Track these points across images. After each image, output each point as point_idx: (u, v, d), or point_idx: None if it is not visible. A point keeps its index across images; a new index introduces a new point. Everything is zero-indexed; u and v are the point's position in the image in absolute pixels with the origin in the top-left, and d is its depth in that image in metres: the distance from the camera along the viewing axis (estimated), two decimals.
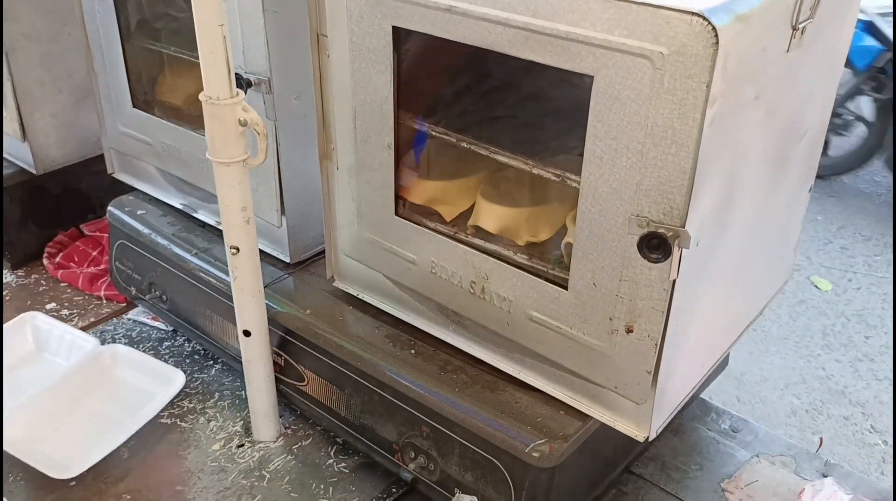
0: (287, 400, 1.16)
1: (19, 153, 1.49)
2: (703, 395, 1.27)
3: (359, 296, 1.10)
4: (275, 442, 1.15)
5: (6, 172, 1.50)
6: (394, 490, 1.07)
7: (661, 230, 0.73)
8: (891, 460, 1.59)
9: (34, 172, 1.46)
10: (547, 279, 0.87)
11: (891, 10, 2.48)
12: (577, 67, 0.73)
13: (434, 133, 0.93)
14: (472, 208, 1.00)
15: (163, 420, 1.19)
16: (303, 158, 1.12)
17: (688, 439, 1.20)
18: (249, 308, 1.05)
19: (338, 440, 1.16)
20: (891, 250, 2.40)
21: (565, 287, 0.84)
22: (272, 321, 1.09)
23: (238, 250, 1.01)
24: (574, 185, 0.80)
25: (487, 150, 0.89)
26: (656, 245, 0.73)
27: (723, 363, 1.19)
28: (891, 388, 1.81)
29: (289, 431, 1.18)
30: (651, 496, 1.09)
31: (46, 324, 1.31)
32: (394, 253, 1.00)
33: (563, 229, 0.93)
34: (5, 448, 1.08)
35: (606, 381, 0.86)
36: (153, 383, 1.22)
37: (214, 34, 0.87)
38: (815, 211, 2.60)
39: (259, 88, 1.05)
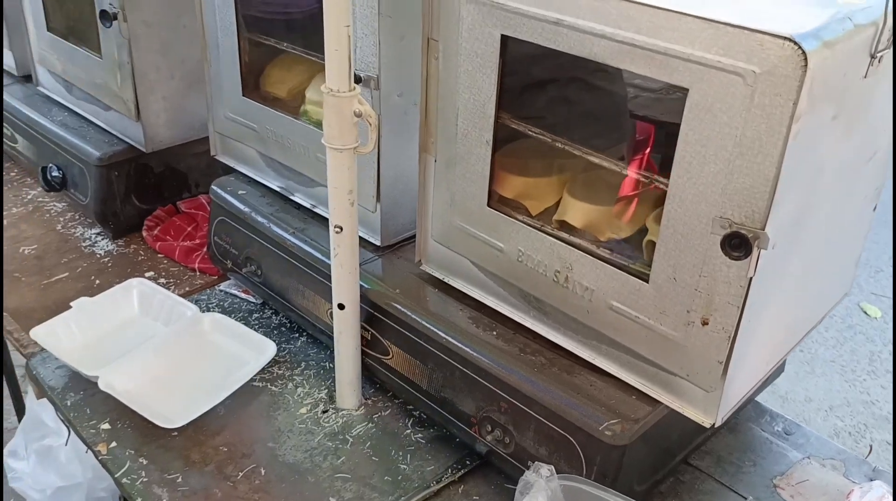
0: (370, 372, 1.26)
1: (130, 132, 1.61)
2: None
3: (444, 280, 1.19)
4: (357, 411, 1.25)
5: (116, 148, 1.63)
6: (467, 462, 1.16)
7: (743, 231, 0.80)
8: None
9: (143, 149, 1.59)
10: (629, 272, 0.94)
11: None
12: (674, 79, 0.81)
13: (531, 132, 1.01)
14: (557, 204, 1.08)
15: (255, 383, 1.30)
16: (400, 151, 1.22)
17: (742, 437, 1.26)
18: (346, 283, 1.15)
19: (415, 413, 1.25)
20: None
21: (646, 280, 0.92)
22: (362, 297, 1.19)
23: (341, 229, 1.11)
24: (661, 187, 0.88)
25: (581, 150, 0.97)
26: (738, 244, 0.81)
27: (779, 369, 1.25)
28: None
29: (369, 401, 1.27)
30: (706, 486, 1.16)
31: (150, 290, 1.43)
32: (482, 241, 1.09)
33: (643, 228, 1.01)
34: (117, 396, 1.20)
35: (679, 369, 0.93)
36: (247, 350, 1.33)
37: (341, 34, 0.97)
38: (870, 238, 2.61)
39: (367, 84, 1.14)
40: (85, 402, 1.25)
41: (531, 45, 0.93)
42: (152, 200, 1.72)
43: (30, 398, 2.06)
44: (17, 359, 3.04)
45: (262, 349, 1.32)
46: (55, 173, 1.73)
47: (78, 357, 1.28)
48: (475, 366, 1.08)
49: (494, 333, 1.11)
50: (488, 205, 1.06)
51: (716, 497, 1.14)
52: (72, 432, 1.46)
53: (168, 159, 1.70)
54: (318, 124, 1.30)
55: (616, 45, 0.84)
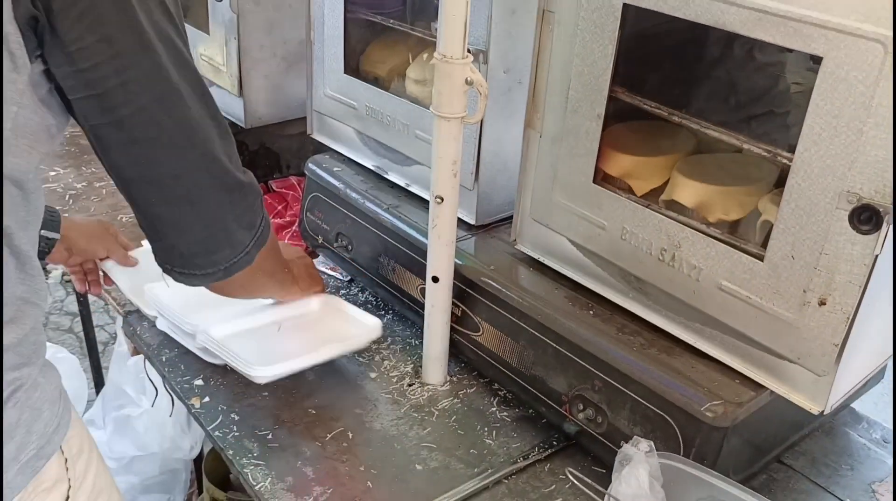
0: (456, 350, 1.26)
1: (229, 108, 1.66)
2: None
3: (539, 259, 1.18)
4: (441, 386, 1.25)
5: None
6: (554, 442, 1.14)
7: (874, 204, 0.78)
8: None
9: (242, 125, 1.63)
10: (742, 251, 0.93)
11: None
12: (808, 48, 0.80)
13: (646, 107, 1.00)
14: (663, 185, 1.07)
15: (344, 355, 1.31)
16: (501, 129, 1.22)
17: (839, 442, 1.22)
18: (441, 256, 1.16)
19: (500, 392, 1.24)
20: None
21: (761, 259, 0.90)
22: (455, 273, 1.19)
23: (442, 200, 1.11)
24: (785, 161, 0.86)
25: (699, 125, 0.96)
26: (868, 218, 0.78)
27: (879, 373, 1.21)
28: None
29: (454, 378, 1.27)
30: (801, 485, 1.12)
31: None
32: (584, 218, 1.08)
33: (755, 211, 0.99)
34: (213, 348, 1.21)
35: (790, 352, 0.91)
36: (351, 327, 1.30)
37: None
38: None
39: (476, 58, 1.15)
40: (179, 359, 1.28)
41: (651, 15, 0.92)
42: None
43: (112, 369, 2.13)
44: (99, 319, 3.13)
45: (370, 327, 1.29)
46: None
47: (179, 313, 1.30)
48: (570, 344, 1.07)
49: (591, 312, 1.09)
50: (594, 181, 1.06)
51: (811, 498, 1.10)
52: (158, 393, 1.50)
53: (263, 138, 1.74)
54: (419, 102, 1.32)
55: (747, 12, 0.83)
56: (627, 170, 1.08)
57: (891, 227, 0.78)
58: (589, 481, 0.87)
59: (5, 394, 0.80)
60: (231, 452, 1.11)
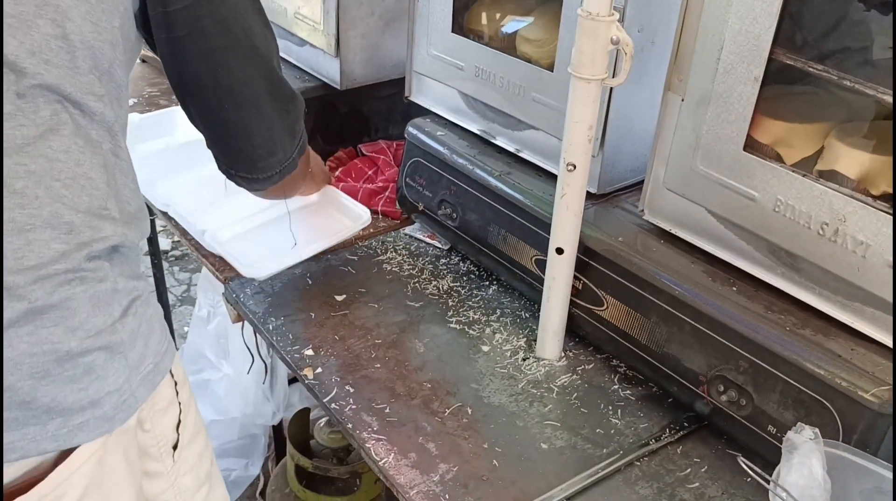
0: (574, 324, 1.21)
1: (323, 69, 1.61)
2: None
3: (671, 231, 1.12)
4: (558, 362, 1.20)
5: (309, 85, 1.63)
6: (685, 423, 1.09)
7: None
8: None
9: (337, 87, 1.58)
10: None
11: None
12: None
13: (812, 70, 0.93)
14: (814, 154, 1.00)
15: (451, 326, 1.27)
16: (630, 93, 1.15)
17: None
18: (568, 227, 1.10)
19: (620, 368, 1.19)
20: None
21: None
22: (578, 244, 1.13)
23: (575, 167, 1.05)
24: None
25: (875, 90, 0.88)
26: None
27: None
28: None
29: (570, 354, 1.22)
30: None
31: None
32: (731, 189, 1.01)
33: None
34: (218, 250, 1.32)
35: None
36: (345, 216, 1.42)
37: None
38: None
39: None
40: (286, 327, 1.25)
41: None
42: (335, 141, 1.71)
43: (191, 333, 2.11)
44: (170, 282, 3.13)
45: (359, 216, 1.40)
46: None
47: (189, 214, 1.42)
48: (712, 321, 1.01)
49: (734, 288, 1.03)
50: (744, 148, 0.99)
51: None
52: (254, 360, 1.47)
53: (354, 101, 1.68)
54: (535, 63, 1.25)
55: None
56: (779, 137, 1.01)
57: None
58: (759, 470, 0.82)
59: (123, 304, 0.85)
60: (350, 425, 1.08)
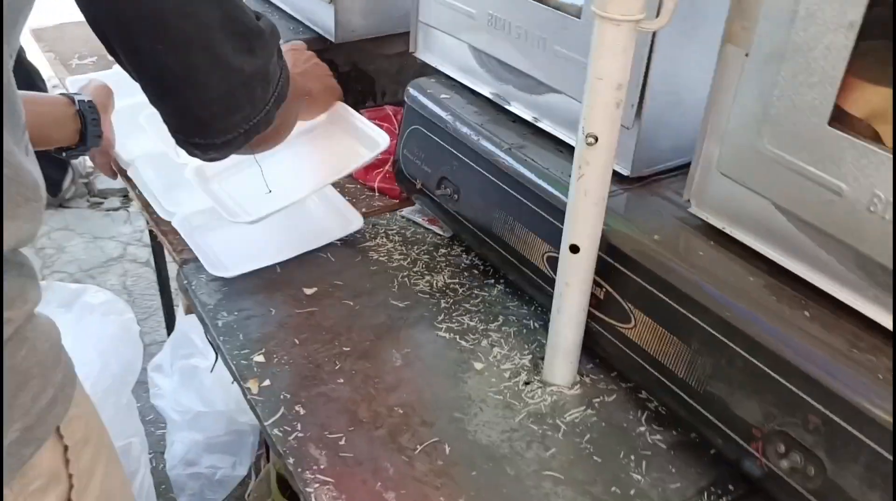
0: (592, 342, 0.95)
1: (319, 19, 1.37)
2: None
3: (724, 230, 0.85)
4: (570, 389, 0.95)
5: (301, 37, 1.39)
6: (730, 486, 0.83)
7: None
8: None
9: (332, 40, 1.33)
10: None
11: None
12: None
13: None
14: None
15: (441, 334, 1.02)
16: (678, 49, 0.88)
17: None
18: (587, 217, 0.84)
19: (649, 404, 0.93)
20: None
21: None
22: (601, 240, 0.87)
23: (596, 140, 0.79)
24: None
25: None
26: None
27: None
28: None
29: (586, 379, 0.97)
30: None
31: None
32: (809, 177, 0.74)
33: None
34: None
35: None
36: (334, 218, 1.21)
37: None
38: None
39: None
40: (238, 325, 1.02)
41: None
42: None
43: (180, 312, 1.91)
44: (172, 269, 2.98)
45: (349, 222, 1.19)
46: None
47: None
48: (774, 356, 0.74)
49: (806, 312, 0.76)
50: (831, 122, 0.71)
51: None
52: (219, 358, 1.25)
53: (356, 58, 1.44)
54: (563, 8, 0.98)
55: None
56: (879, 109, 0.73)
57: None
58: None
59: None
60: (292, 460, 0.84)
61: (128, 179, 1.30)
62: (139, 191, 1.27)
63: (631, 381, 0.95)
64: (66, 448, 0.68)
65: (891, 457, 0.66)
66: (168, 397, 1.83)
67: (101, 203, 3.01)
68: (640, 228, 0.89)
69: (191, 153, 0.80)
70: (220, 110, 0.75)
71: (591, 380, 0.97)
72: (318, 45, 1.38)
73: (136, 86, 0.75)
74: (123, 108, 1.42)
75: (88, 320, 1.44)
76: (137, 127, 1.37)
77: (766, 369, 0.75)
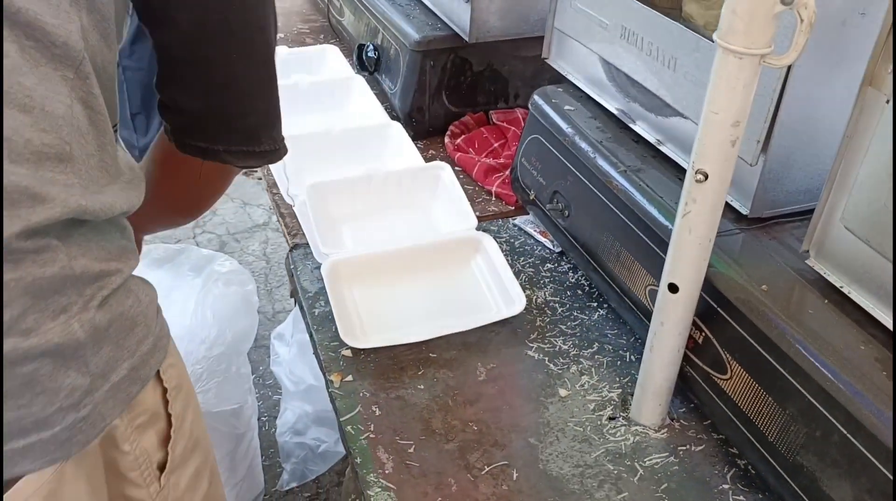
0: (686, 385, 0.89)
1: (456, 16, 1.36)
2: None
3: (842, 289, 0.77)
4: (657, 432, 0.90)
5: (438, 34, 1.39)
6: None
7: None
8: None
9: (466, 38, 1.33)
10: None
11: None
12: None
13: None
14: None
15: (530, 353, 1.00)
16: (814, 82, 0.81)
17: None
18: (689, 258, 0.79)
19: (739, 462, 0.87)
20: None
21: None
22: (705, 282, 0.82)
23: (706, 177, 0.74)
24: None
25: None
26: None
27: None
28: None
29: (675, 424, 0.91)
30: None
31: None
32: None
33: None
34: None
35: None
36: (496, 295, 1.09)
37: None
38: None
39: None
40: (333, 317, 1.04)
41: None
42: (464, 102, 1.47)
43: None
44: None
45: (512, 302, 1.05)
46: (371, 54, 1.55)
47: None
48: (873, 438, 0.67)
49: None
50: None
51: None
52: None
53: (491, 58, 1.43)
54: (699, 30, 0.92)
55: None
56: None
57: None
58: None
59: (85, 294, 0.64)
60: (359, 460, 0.85)
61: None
62: (268, 171, 1.33)
63: (721, 432, 0.89)
64: (164, 391, 0.75)
65: None
66: (285, 365, 1.92)
67: (255, 171, 3.17)
68: (750, 274, 0.82)
69: (224, 161, 0.78)
70: (266, 122, 0.78)
71: (681, 426, 0.91)
72: (454, 42, 1.38)
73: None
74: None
75: (212, 286, 1.53)
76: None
77: (863, 450, 0.68)
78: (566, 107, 1.14)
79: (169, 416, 0.75)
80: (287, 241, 1.21)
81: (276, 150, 0.79)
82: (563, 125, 1.11)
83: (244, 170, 0.86)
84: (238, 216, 2.91)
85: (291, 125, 1.43)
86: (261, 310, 2.50)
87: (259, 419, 2.14)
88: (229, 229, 2.84)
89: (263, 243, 2.78)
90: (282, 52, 1.61)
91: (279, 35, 1.90)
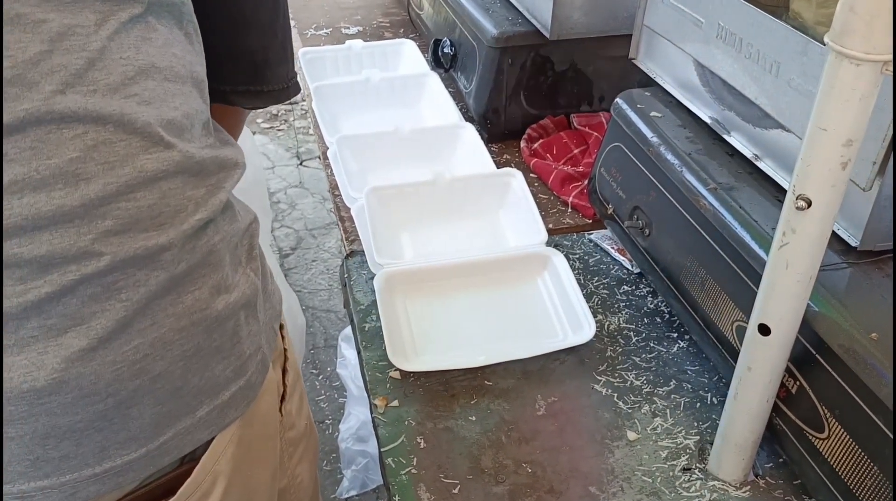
0: (776, 438, 0.78)
1: (537, 11, 1.26)
2: None
3: None
4: (737, 489, 0.79)
5: (518, 29, 1.30)
6: None
7: None
8: None
9: (547, 35, 1.23)
10: None
11: None
12: None
13: None
14: None
15: (598, 387, 0.90)
16: None
17: None
18: (784, 295, 0.67)
19: None
20: None
21: None
22: (802, 324, 0.70)
23: (809, 204, 0.62)
24: None
25: None
26: None
27: None
28: None
29: (760, 481, 0.80)
30: None
31: None
32: None
33: None
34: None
35: None
36: (563, 319, 0.99)
37: None
38: None
39: None
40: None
41: None
42: (543, 104, 1.37)
43: None
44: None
45: (580, 327, 0.96)
46: (447, 50, 1.47)
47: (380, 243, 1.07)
48: None
49: None
50: None
51: None
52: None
53: (575, 56, 1.32)
54: (808, 32, 0.80)
55: None
56: None
57: None
58: None
59: (245, 244, 0.69)
60: (398, 498, 0.78)
61: (325, 159, 1.30)
62: (331, 171, 1.27)
63: (815, 499, 0.77)
64: (281, 326, 0.77)
65: None
66: (350, 369, 1.87)
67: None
68: (857, 318, 0.70)
69: (233, 103, 0.77)
70: (275, 58, 0.76)
71: (767, 484, 0.80)
72: (535, 39, 1.29)
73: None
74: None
75: None
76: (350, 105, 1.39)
77: None
78: (652, 113, 1.03)
79: (285, 351, 0.79)
80: (344, 247, 1.15)
81: (285, 89, 0.78)
82: (649, 134, 1.00)
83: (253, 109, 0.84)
84: (317, 212, 2.89)
85: (358, 122, 1.40)
86: (332, 309, 2.48)
87: (324, 421, 2.11)
88: (307, 225, 2.82)
89: (339, 240, 2.76)
90: (356, 46, 1.55)
91: (357, 28, 1.85)
